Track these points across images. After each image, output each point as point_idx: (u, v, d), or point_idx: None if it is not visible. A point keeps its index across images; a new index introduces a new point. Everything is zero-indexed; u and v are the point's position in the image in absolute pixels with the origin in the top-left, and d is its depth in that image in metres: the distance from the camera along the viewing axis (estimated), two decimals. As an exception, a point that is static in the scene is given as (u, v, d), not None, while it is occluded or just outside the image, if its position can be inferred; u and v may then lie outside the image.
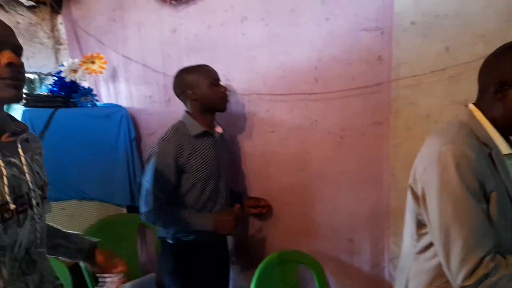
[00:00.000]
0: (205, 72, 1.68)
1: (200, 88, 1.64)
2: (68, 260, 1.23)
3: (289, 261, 1.87)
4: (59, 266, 1.80)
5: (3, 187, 0.86)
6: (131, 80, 2.36)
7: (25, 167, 0.92)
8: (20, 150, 0.93)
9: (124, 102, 2.41)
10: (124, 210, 2.26)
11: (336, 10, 1.70)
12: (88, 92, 2.22)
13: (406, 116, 1.64)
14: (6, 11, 2.40)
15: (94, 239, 1.24)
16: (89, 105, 2.21)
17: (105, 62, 2.26)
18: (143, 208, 1.59)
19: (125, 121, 2.24)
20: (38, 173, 0.99)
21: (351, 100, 1.73)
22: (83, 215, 2.11)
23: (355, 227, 1.81)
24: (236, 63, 1.96)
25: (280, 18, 1.82)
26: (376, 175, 1.72)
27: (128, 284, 1.90)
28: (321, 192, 1.85)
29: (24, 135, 0.96)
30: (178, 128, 1.64)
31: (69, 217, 2.05)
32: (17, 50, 0.87)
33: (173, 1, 2.06)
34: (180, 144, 1.58)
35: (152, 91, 2.31)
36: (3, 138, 0.90)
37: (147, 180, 1.57)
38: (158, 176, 1.55)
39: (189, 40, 2.08)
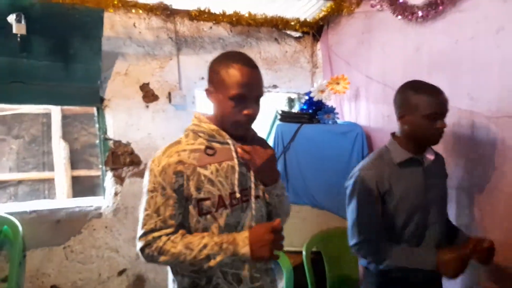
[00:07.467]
0: (428, 100, 1.37)
1: (414, 116, 1.39)
2: None
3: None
4: (286, 263, 2.07)
5: (235, 180, 1.13)
6: (371, 99, 2.42)
7: None
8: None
9: (362, 121, 2.50)
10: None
11: None
12: (331, 110, 2.44)
13: None
14: (278, 43, 2.97)
15: None
16: (330, 122, 2.43)
17: (348, 83, 2.42)
18: (351, 241, 1.47)
19: (360, 139, 2.33)
20: None
21: None
22: (313, 220, 2.32)
23: None
24: (485, 81, 1.67)
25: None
26: None
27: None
28: None
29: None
30: (382, 155, 1.49)
31: (302, 219, 2.31)
32: (259, 99, 1.13)
33: (419, 18, 1.98)
34: (382, 171, 1.44)
35: (390, 110, 2.26)
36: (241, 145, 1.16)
37: (352, 210, 1.46)
38: (362, 205, 1.43)
39: (432, 57, 1.94)
